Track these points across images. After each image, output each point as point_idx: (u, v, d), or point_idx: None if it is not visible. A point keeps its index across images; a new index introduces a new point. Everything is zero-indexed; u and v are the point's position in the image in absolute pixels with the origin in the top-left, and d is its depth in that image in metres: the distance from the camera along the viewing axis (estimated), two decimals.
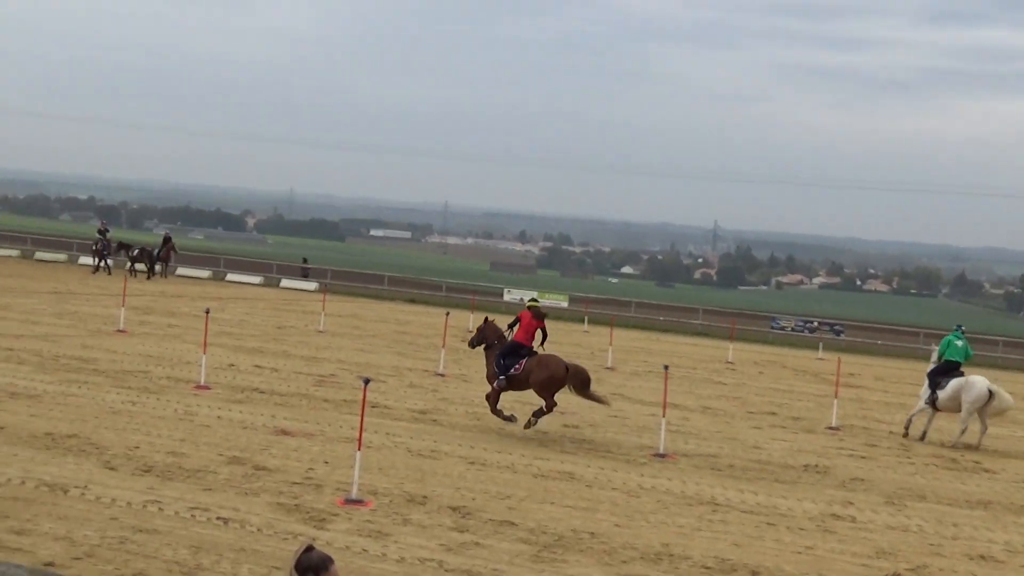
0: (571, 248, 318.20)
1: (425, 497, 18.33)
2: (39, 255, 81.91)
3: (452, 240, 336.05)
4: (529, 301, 26.97)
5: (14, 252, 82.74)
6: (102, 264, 71.55)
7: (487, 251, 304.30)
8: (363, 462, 18.39)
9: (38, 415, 22.49)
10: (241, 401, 26.47)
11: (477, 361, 38.98)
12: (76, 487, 17.03)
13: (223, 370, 31.05)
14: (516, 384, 25.72)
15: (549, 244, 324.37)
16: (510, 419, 25.68)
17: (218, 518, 15.96)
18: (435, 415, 26.95)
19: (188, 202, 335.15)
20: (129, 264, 70.84)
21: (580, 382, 25.58)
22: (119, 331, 38.52)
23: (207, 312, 31.31)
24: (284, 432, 23.00)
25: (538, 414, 25.39)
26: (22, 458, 18.69)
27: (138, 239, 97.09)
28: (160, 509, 16.17)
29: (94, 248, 72.48)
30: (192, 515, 15.99)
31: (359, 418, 19.16)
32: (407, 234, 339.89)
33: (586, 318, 67.30)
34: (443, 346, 37.15)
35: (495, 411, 25.85)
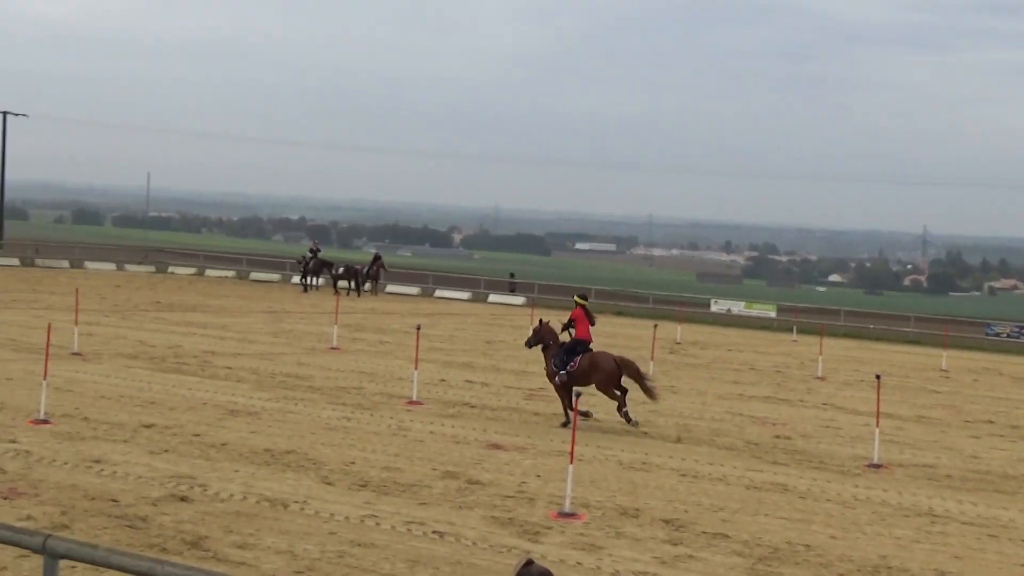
0: (777, 257, 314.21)
1: (637, 510, 18.27)
2: (254, 275, 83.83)
3: (657, 252, 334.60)
4: (578, 298, 28.19)
5: (230, 273, 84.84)
6: (310, 282, 72.93)
7: (692, 262, 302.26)
8: (575, 475, 18.40)
9: (257, 432, 23.00)
10: (453, 416, 26.73)
11: (687, 373, 38.83)
12: (296, 502, 17.36)
13: (434, 385, 31.39)
14: (575, 380, 26.56)
15: (755, 253, 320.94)
16: (587, 415, 26.91)
17: (434, 532, 16.11)
18: (645, 427, 26.85)
19: (396, 220, 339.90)
20: (333, 282, 72.16)
21: (632, 371, 26.63)
22: (332, 348, 39.23)
23: (418, 329, 31.72)
24: (496, 446, 23.15)
25: (625, 416, 26.52)
26: (243, 474, 19.13)
27: (348, 257, 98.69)
28: (377, 523, 16.39)
29: (305, 268, 73.86)
30: (408, 529, 16.18)
31: (570, 431, 19.18)
32: (612, 247, 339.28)
33: (795, 327, 66.44)
34: (651, 358, 37.02)
35: (567, 407, 26.48)
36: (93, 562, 8.94)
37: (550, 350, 27.52)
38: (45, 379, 23.31)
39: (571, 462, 18.07)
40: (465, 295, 78.89)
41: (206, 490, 17.79)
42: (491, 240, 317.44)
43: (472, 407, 28.17)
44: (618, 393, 26.59)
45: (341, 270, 72.66)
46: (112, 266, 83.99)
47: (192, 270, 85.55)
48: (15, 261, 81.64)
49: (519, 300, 76.96)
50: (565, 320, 27.76)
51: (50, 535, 9.28)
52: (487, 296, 79.16)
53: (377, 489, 18.61)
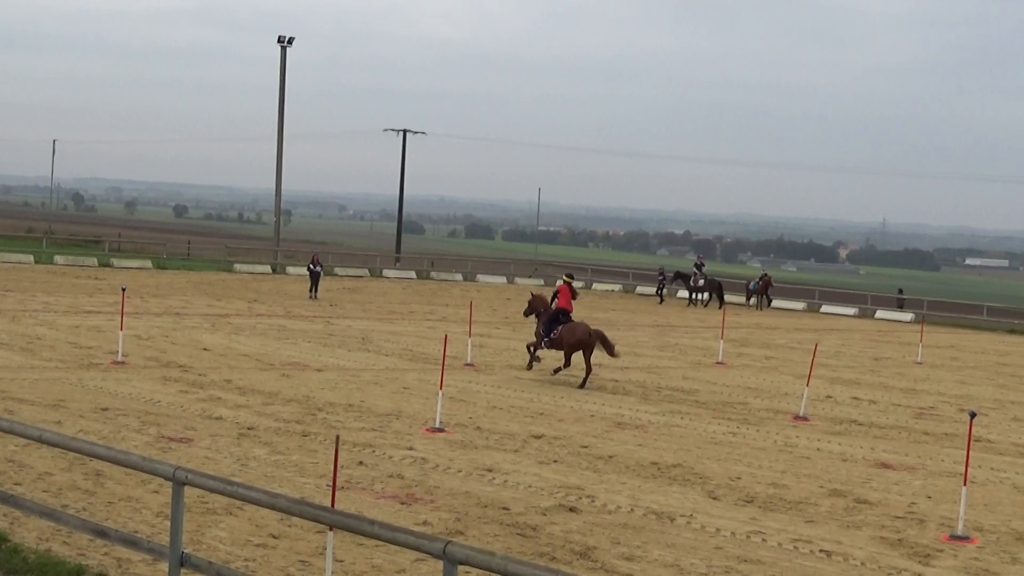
0: None
1: None
2: (640, 289, 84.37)
3: None
4: (566, 277, 34.77)
5: (616, 286, 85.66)
6: (696, 298, 73.00)
7: None
8: (968, 497, 17.78)
9: (644, 445, 23.14)
10: (840, 433, 26.25)
11: None
12: (682, 516, 17.38)
13: (820, 402, 30.91)
14: (555, 345, 31.84)
15: None
16: (533, 363, 33.14)
17: (821, 551, 15.86)
18: None
19: (781, 234, 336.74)
20: (689, 294, 72.45)
21: (602, 340, 31.62)
22: (718, 363, 39.12)
23: (815, 347, 31.24)
24: (885, 465, 22.62)
25: (557, 370, 32.03)
26: (630, 486, 19.28)
27: (731, 272, 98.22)
28: (763, 540, 16.24)
29: (661, 280, 74.27)
30: (795, 547, 15.97)
31: (963, 452, 18.58)
32: (1004, 262, 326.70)
33: None
34: None
35: (531, 354, 33.16)
36: (490, 569, 9.14)
37: (542, 316, 32.63)
38: (441, 389, 24.08)
39: (964, 484, 17.49)
40: (851, 311, 77.41)
41: (594, 501, 18.01)
42: (878, 255, 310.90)
43: (859, 424, 27.62)
44: (570, 361, 31.54)
45: (701, 282, 72.83)
46: (503, 279, 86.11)
47: (580, 284, 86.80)
48: (412, 274, 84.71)
49: (907, 316, 75.00)
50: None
51: (450, 541, 9.55)
52: (874, 312, 77.39)
53: (763, 505, 18.45)
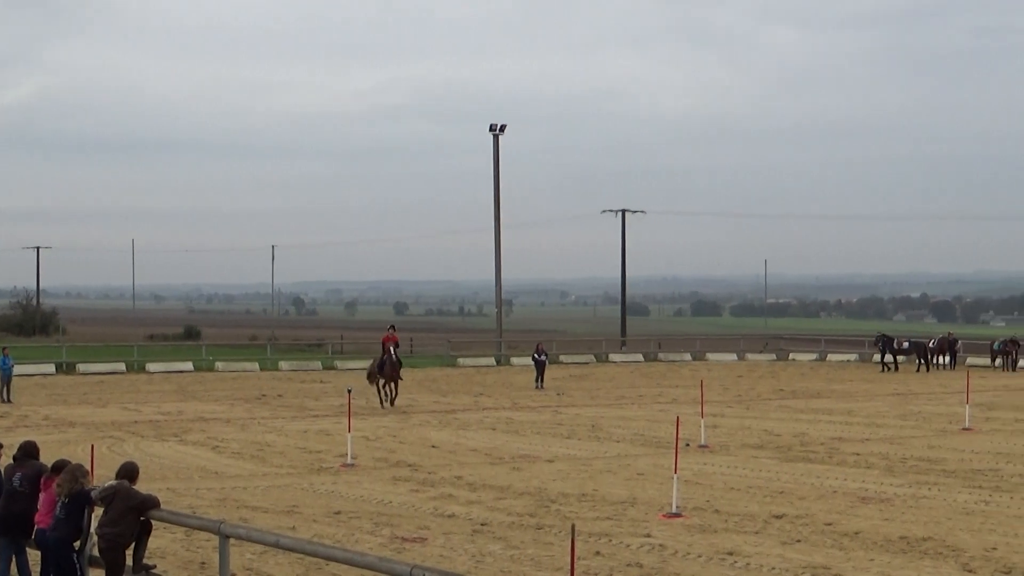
0: None
1: None
2: (876, 357, 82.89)
3: None
4: (390, 329, 50.01)
5: (852, 356, 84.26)
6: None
7: None
8: None
9: (891, 519, 22.69)
10: None
11: None
12: None
13: None
14: (383, 375, 47.36)
15: None
16: (382, 403, 47.33)
17: None
18: None
19: None
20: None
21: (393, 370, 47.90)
22: (964, 429, 38.18)
23: None
24: None
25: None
26: (879, 563, 18.92)
27: (974, 333, 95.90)
28: None
29: (895, 346, 73.36)
30: None
31: None
32: None
33: None
34: None
35: (379, 392, 47.94)
36: None
37: (376, 361, 49.10)
38: (676, 473, 23.97)
39: None
40: None
41: None
42: None
43: None
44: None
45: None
46: (733, 356, 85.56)
47: (813, 355, 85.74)
48: (639, 357, 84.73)
49: None
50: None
51: None
52: None
53: None
